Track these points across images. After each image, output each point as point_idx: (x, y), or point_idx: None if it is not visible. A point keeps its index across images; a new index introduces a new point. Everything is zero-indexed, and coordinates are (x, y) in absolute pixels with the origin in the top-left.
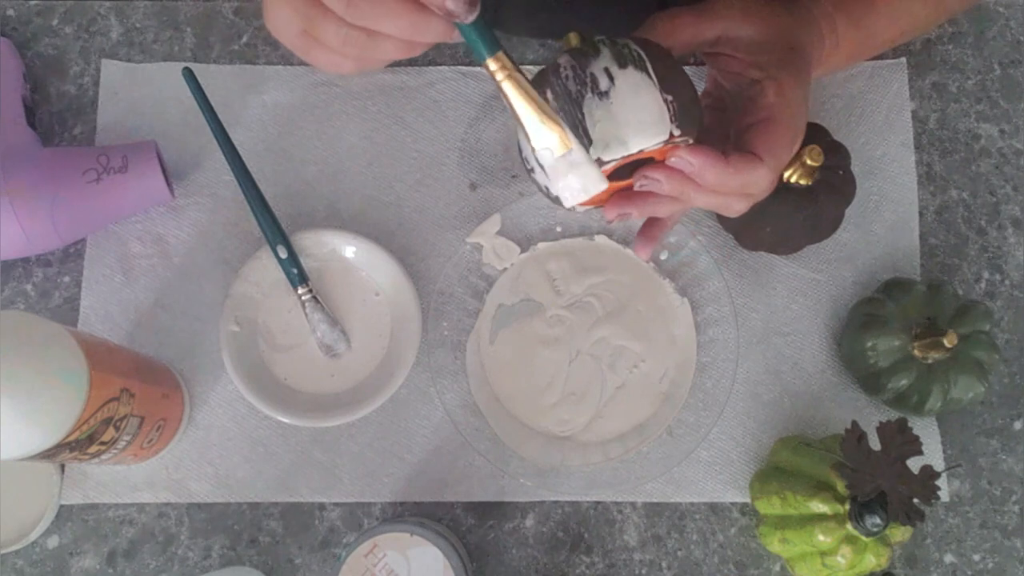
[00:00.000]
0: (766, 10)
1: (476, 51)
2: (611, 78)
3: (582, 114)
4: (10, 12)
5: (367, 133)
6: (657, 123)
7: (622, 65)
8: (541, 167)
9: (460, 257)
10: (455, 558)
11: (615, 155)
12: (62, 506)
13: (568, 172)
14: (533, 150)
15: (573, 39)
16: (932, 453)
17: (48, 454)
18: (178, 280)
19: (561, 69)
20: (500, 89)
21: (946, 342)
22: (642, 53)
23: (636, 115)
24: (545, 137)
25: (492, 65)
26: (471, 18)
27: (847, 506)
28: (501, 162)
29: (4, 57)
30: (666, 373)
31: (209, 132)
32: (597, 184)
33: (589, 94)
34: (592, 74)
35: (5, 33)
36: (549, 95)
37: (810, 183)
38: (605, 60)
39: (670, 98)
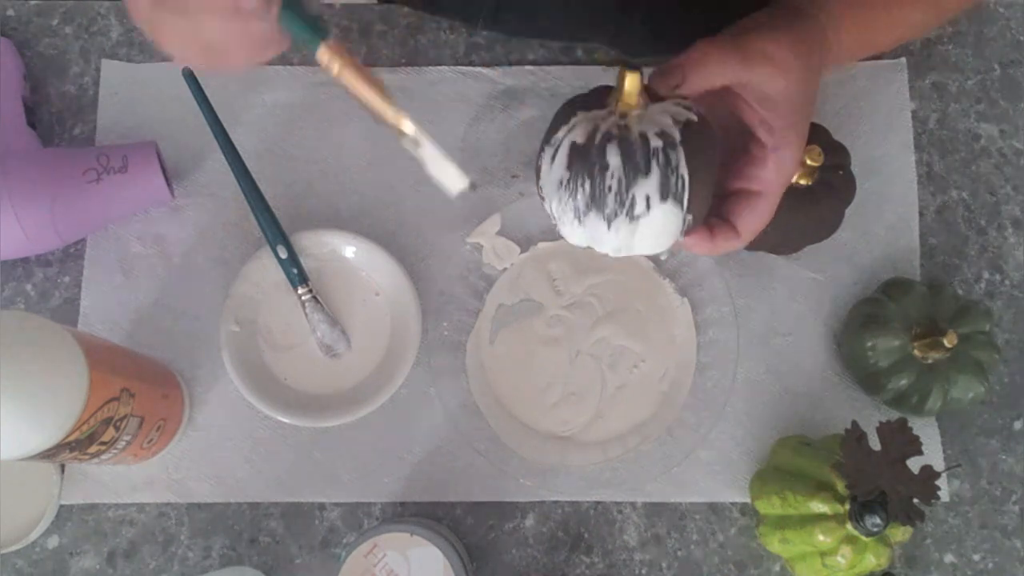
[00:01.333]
0: (798, 61)
1: (304, 41)
2: (648, 207)
3: (608, 227)
4: (10, 12)
5: (367, 133)
6: (667, 243)
7: (663, 197)
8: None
9: (460, 257)
10: (455, 558)
11: (619, 255)
12: (62, 506)
13: (424, 160)
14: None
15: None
16: (932, 453)
17: (48, 454)
18: (178, 280)
19: (608, 173)
20: (338, 79)
21: (946, 342)
22: (685, 180)
23: (654, 238)
24: (393, 122)
25: (324, 55)
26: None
27: (847, 506)
28: (501, 162)
29: (4, 57)
30: (666, 373)
31: (209, 132)
32: (457, 181)
33: (623, 215)
34: (634, 197)
35: (5, 33)
36: (587, 186)
37: (810, 183)
38: (651, 186)
39: (690, 217)
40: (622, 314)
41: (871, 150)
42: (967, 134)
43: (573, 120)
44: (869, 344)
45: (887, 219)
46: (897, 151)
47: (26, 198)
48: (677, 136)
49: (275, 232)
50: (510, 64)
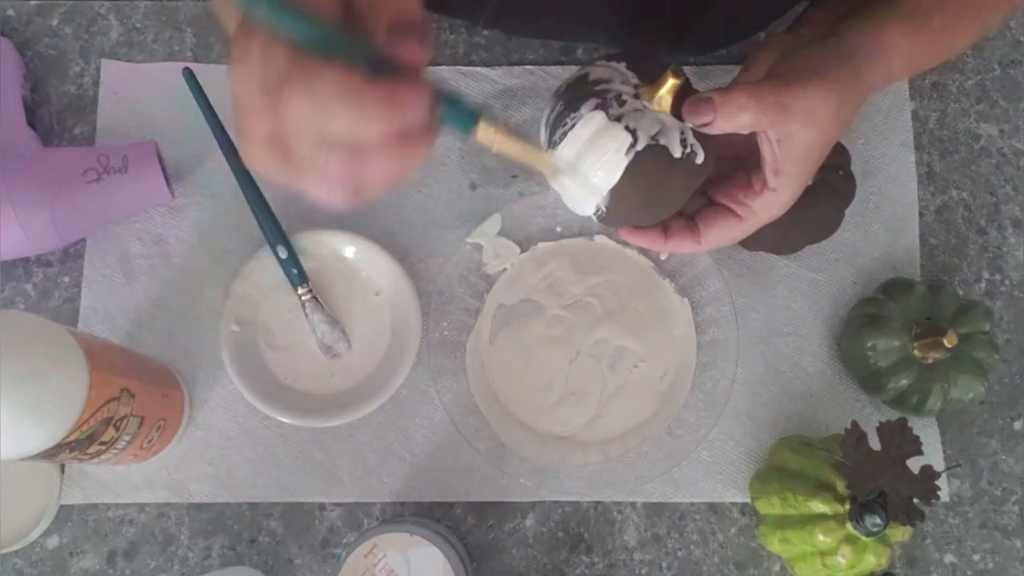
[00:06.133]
0: (837, 118)
1: (462, 129)
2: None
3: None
4: (10, 12)
5: None
6: (584, 207)
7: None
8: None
9: (460, 257)
10: (455, 558)
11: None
12: (62, 506)
13: (564, 188)
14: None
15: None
16: (932, 453)
17: (48, 454)
18: (178, 280)
19: (563, 103)
20: (495, 152)
21: (946, 342)
22: (623, 155)
23: (591, 171)
24: (548, 166)
25: (481, 132)
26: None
27: (847, 506)
28: (501, 162)
29: (4, 57)
30: (666, 373)
31: (209, 132)
32: (590, 198)
33: (559, 134)
34: (573, 128)
35: (5, 33)
36: (556, 106)
37: (810, 183)
38: (592, 124)
39: (602, 204)
40: (622, 314)
41: (871, 150)
42: (967, 134)
43: (610, 62)
44: (869, 344)
45: (887, 219)
46: (897, 151)
47: (26, 198)
48: (625, 158)
49: (275, 232)
50: (510, 64)
